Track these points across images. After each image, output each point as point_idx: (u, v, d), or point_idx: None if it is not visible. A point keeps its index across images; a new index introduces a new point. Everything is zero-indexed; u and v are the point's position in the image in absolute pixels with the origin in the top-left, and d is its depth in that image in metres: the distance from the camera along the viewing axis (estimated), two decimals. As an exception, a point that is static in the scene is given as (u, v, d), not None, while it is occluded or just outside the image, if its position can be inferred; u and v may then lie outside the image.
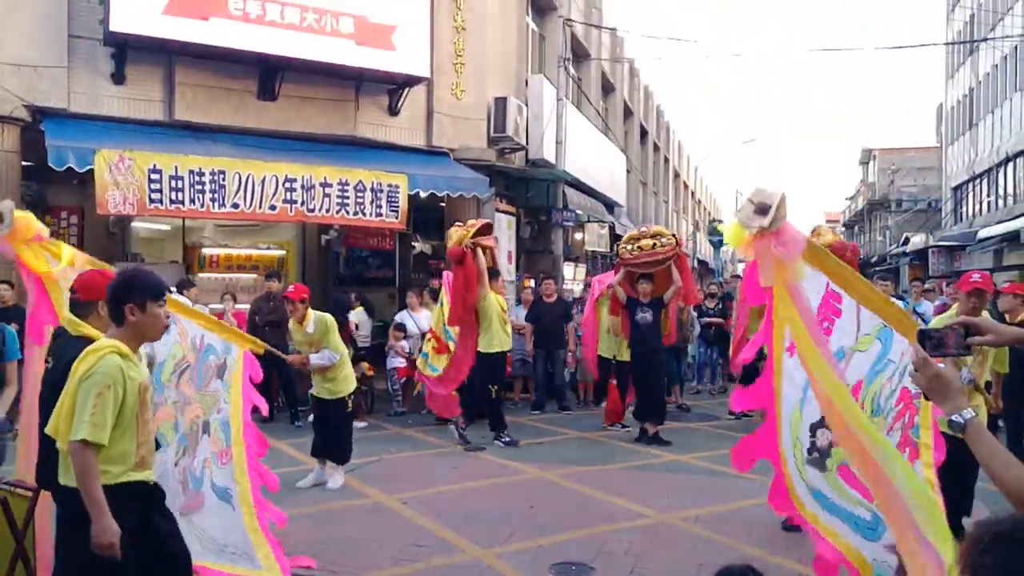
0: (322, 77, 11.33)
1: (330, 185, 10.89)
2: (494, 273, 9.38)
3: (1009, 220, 24.18)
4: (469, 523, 5.94)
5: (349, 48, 11.14)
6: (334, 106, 11.64)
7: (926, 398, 2.17)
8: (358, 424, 8.91)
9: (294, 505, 6.39)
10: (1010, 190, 29.32)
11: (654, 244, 9.36)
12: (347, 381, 7.28)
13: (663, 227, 10.64)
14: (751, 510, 6.40)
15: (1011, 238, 21.86)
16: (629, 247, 9.53)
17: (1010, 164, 28.97)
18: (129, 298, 3.19)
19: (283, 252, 14.16)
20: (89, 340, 3.35)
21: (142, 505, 3.21)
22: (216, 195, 9.98)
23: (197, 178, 9.88)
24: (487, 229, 9.17)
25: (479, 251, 8.77)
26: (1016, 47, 27.43)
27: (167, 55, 10.46)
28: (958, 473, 3.92)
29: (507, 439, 8.93)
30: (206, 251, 13.31)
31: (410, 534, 5.70)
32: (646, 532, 5.81)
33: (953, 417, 2.02)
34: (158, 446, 3.85)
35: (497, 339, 9.07)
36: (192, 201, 9.86)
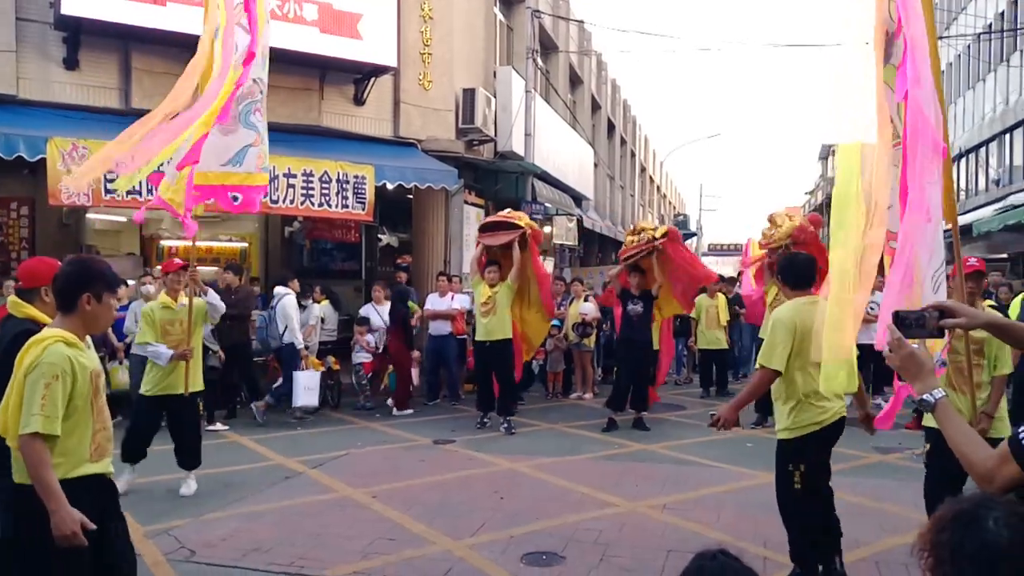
0: (286, 65, 11.10)
1: (294, 176, 10.71)
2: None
3: (961, 214, 24.69)
4: (439, 515, 5.88)
5: (314, 36, 10.97)
6: (298, 95, 11.46)
7: (899, 379, 2.20)
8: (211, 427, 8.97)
9: (259, 501, 6.30)
10: (963, 185, 29.93)
11: (640, 234, 9.54)
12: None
13: (648, 222, 10.73)
14: (717, 497, 6.47)
15: (964, 231, 22.32)
16: (627, 240, 9.82)
17: (963, 160, 29.58)
18: (87, 287, 3.09)
19: (245, 244, 13.94)
20: (34, 322, 3.33)
21: (98, 500, 3.11)
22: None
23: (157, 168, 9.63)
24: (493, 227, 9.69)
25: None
26: (969, 46, 27.99)
27: (123, 40, 10.20)
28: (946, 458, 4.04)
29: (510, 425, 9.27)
30: (165, 243, 13.02)
31: (379, 527, 5.61)
32: (615, 520, 5.80)
33: (924, 396, 2.07)
34: None
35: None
36: (150, 192, 9.60)
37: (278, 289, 10.16)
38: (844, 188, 3.66)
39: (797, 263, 4.85)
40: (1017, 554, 1.20)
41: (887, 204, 3.40)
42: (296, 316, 9.98)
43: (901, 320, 2.21)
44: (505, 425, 9.20)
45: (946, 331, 2.31)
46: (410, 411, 10.41)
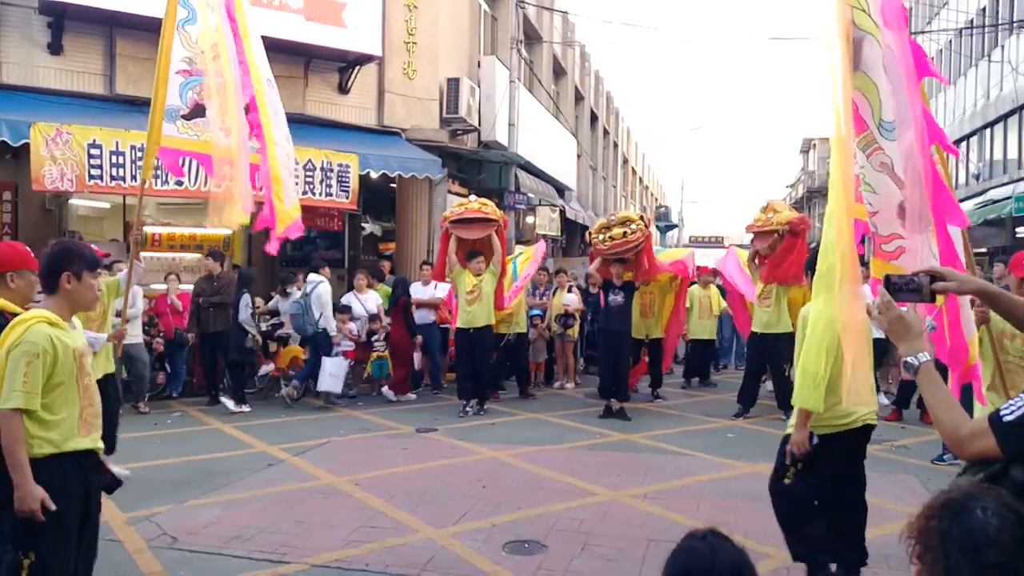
0: (270, 53, 10.85)
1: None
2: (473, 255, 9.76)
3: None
4: (422, 503, 5.92)
5: (298, 23, 10.92)
6: (282, 83, 11.19)
7: (888, 341, 2.25)
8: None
9: (241, 488, 6.31)
10: (945, 179, 30.20)
11: (624, 232, 9.42)
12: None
13: (630, 211, 10.70)
14: (698, 486, 6.54)
15: (945, 225, 22.58)
16: (601, 237, 9.63)
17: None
18: (66, 266, 3.19)
19: (229, 231, 13.82)
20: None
21: (87, 474, 3.23)
22: (159, 172, 9.67)
23: (139, 154, 9.56)
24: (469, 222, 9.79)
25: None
26: (951, 41, 28.20)
27: (107, 26, 10.10)
28: None
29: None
30: (148, 230, 12.89)
31: (362, 515, 5.64)
32: (597, 509, 5.86)
33: (908, 358, 2.13)
34: None
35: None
36: (134, 178, 9.55)
37: (312, 277, 10.24)
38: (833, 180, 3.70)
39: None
40: (1003, 541, 1.23)
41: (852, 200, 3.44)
42: (330, 303, 10.13)
43: (891, 284, 2.26)
44: (478, 407, 9.63)
45: (936, 295, 2.35)
46: (412, 396, 10.58)
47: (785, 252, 9.20)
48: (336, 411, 9.77)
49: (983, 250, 21.19)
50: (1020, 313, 2.40)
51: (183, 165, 7.70)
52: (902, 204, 3.46)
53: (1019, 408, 1.88)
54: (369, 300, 11.00)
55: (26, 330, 3.05)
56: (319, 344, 10.10)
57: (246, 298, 9.89)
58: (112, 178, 9.48)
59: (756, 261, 9.75)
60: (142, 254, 12.25)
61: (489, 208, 9.84)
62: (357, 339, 10.77)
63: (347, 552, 4.92)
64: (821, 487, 4.26)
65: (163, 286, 10.54)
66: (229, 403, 9.62)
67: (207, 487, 6.28)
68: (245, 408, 9.57)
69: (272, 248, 6.06)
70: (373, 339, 10.71)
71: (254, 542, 5.05)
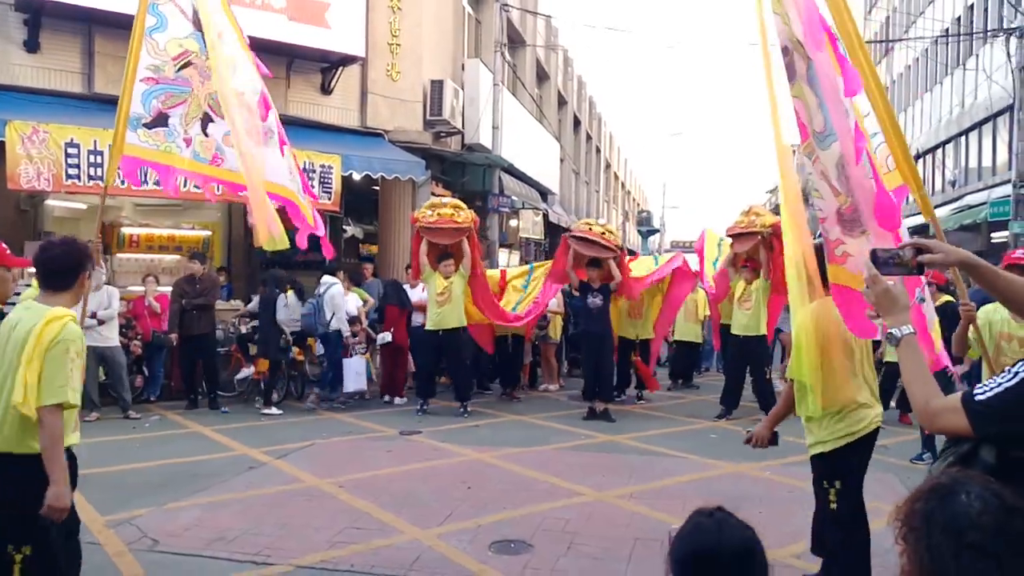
0: (252, 53, 10.98)
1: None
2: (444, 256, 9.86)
3: (918, 214, 25.24)
4: (407, 505, 5.86)
5: (281, 23, 10.86)
6: (264, 83, 11.29)
7: (877, 316, 2.26)
8: None
9: (223, 491, 6.23)
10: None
11: (604, 232, 9.75)
12: None
13: (612, 227, 10.96)
14: (682, 486, 6.54)
15: (922, 229, 22.82)
16: (580, 227, 9.93)
17: (920, 160, 30.21)
18: (85, 267, 3.36)
19: (208, 233, 13.70)
20: None
21: (74, 469, 3.29)
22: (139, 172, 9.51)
23: (115, 155, 9.43)
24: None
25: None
26: (927, 49, 28.58)
27: (86, 24, 9.99)
28: None
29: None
30: (125, 231, 12.75)
31: (347, 517, 5.58)
32: (583, 510, 5.84)
33: (892, 330, 2.15)
34: None
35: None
36: (134, 185, 9.40)
37: (325, 278, 10.22)
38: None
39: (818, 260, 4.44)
40: (984, 524, 1.24)
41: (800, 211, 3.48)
42: (343, 305, 10.11)
43: (877, 257, 2.27)
44: (462, 409, 9.66)
45: (924, 267, 2.35)
46: (404, 399, 10.56)
47: (780, 256, 9.20)
48: (318, 414, 9.68)
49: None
50: (1001, 285, 2.40)
51: (141, 175, 7.63)
52: (839, 210, 3.51)
53: (992, 389, 1.90)
54: (349, 303, 10.92)
55: (63, 328, 3.09)
56: (332, 345, 10.10)
57: (283, 298, 9.92)
58: (90, 178, 9.35)
59: (735, 264, 9.78)
60: (119, 255, 12.24)
61: (462, 216, 9.78)
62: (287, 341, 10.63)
63: (332, 553, 4.85)
64: (857, 501, 4.06)
65: (141, 288, 10.39)
66: (269, 409, 9.60)
67: (188, 490, 6.19)
68: (275, 411, 9.59)
69: (301, 242, 6.01)
70: (354, 341, 10.63)
71: (237, 544, 4.97)
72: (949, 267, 2.52)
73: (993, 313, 4.87)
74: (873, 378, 4.18)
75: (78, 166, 9.23)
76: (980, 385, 1.95)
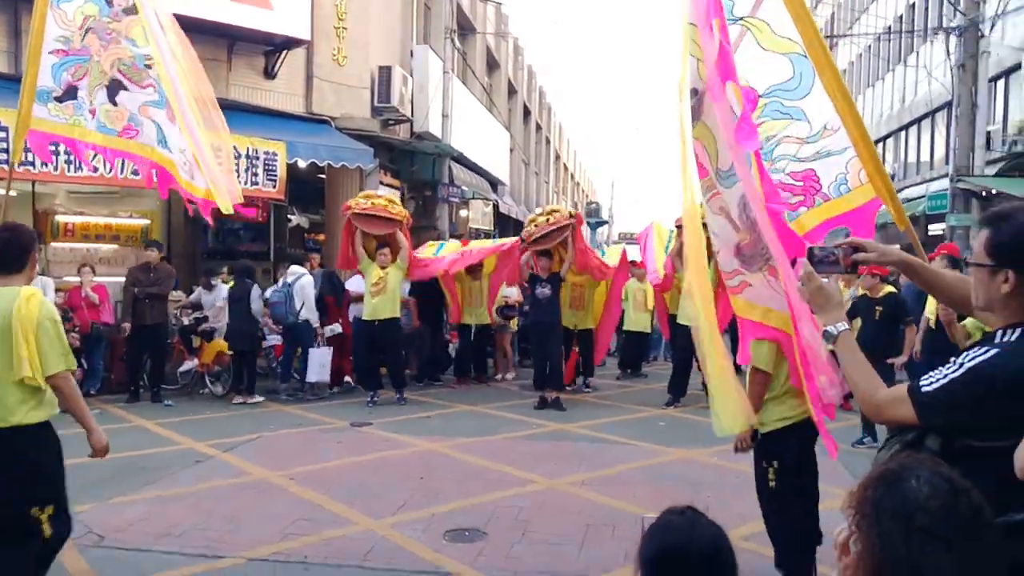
0: (190, 33, 10.52)
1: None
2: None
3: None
4: (359, 495, 5.81)
5: (221, 3, 10.59)
6: (204, 65, 10.69)
7: (813, 312, 2.31)
8: None
9: (170, 485, 6.09)
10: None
11: (547, 219, 9.71)
12: None
13: (556, 206, 10.79)
14: (632, 473, 6.62)
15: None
16: (529, 228, 9.84)
17: (860, 155, 30.96)
18: (33, 247, 3.61)
19: (147, 222, 13.30)
20: None
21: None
22: (72, 158, 9.19)
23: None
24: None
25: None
26: (870, 46, 29.28)
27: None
28: None
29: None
30: (60, 219, 12.30)
31: (299, 509, 5.50)
32: (535, 498, 5.87)
33: (828, 328, 2.21)
34: None
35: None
36: (44, 164, 9.07)
37: (294, 268, 10.15)
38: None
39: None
40: (932, 507, 1.25)
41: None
42: (312, 295, 10.06)
43: (813, 255, 2.32)
44: (399, 397, 9.74)
45: (859, 266, 2.41)
46: (349, 380, 10.76)
47: None
48: (265, 406, 9.51)
49: (897, 246, 22.08)
50: (940, 284, 2.48)
51: (53, 150, 7.31)
52: (739, 245, 3.57)
53: (937, 381, 1.94)
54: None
55: (40, 303, 3.42)
56: (300, 336, 10.03)
57: (256, 290, 9.81)
58: (20, 164, 8.95)
59: (681, 254, 9.84)
60: (54, 245, 11.81)
61: (396, 208, 9.80)
62: (280, 333, 10.50)
63: (284, 545, 4.78)
64: (796, 482, 4.15)
65: (76, 278, 10.04)
66: (253, 398, 9.64)
67: (133, 484, 6.02)
68: (258, 398, 9.62)
69: (207, 216, 5.68)
70: (321, 332, 10.51)
71: (186, 538, 4.87)
72: (886, 266, 2.59)
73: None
74: None
75: (7, 150, 8.84)
76: (926, 376, 1.98)
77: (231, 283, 10.95)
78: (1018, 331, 1.94)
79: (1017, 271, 1.94)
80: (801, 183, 3.89)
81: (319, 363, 9.92)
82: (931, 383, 1.95)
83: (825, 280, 2.26)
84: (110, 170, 9.36)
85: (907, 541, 1.24)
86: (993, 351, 1.92)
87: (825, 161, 3.82)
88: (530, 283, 9.85)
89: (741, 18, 3.65)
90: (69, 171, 9.28)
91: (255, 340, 9.92)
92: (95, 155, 6.04)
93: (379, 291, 9.57)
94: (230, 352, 9.90)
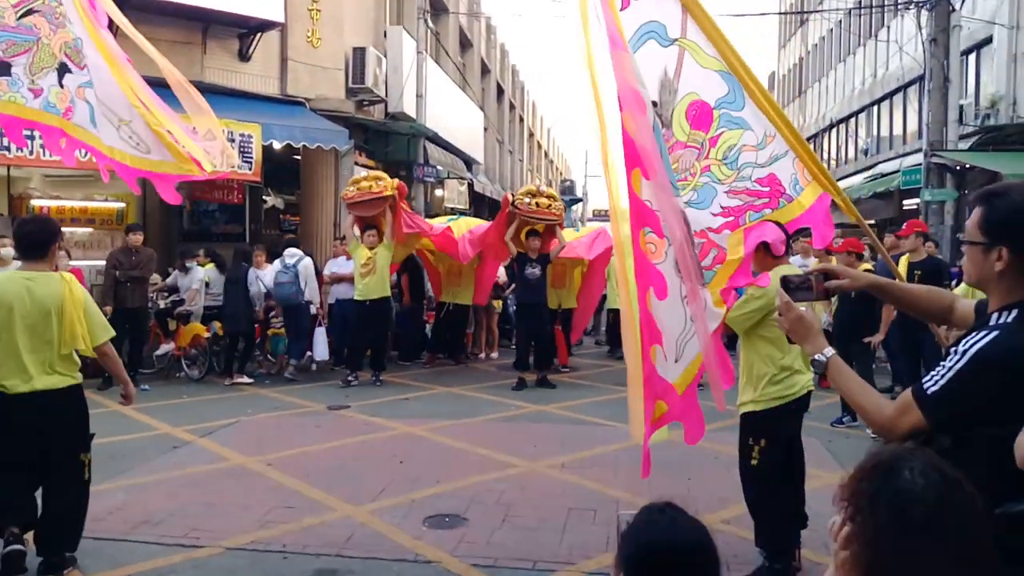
0: (165, 17, 10.52)
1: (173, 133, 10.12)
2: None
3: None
4: (338, 481, 5.81)
5: (194, -14, 10.38)
6: (178, 48, 10.84)
7: (790, 340, 2.32)
8: None
9: (147, 472, 6.06)
10: (834, 154, 31.63)
11: (550, 205, 9.75)
12: None
13: (555, 192, 10.79)
14: (613, 454, 6.63)
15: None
16: (527, 200, 9.76)
17: (833, 130, 31.20)
18: (57, 238, 4.28)
19: (122, 205, 13.11)
20: None
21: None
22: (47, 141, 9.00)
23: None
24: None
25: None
26: (841, 20, 29.36)
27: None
28: None
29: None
30: (35, 203, 12.10)
31: (277, 496, 5.50)
32: (516, 481, 5.89)
33: (816, 356, 2.19)
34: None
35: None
36: (20, 148, 8.90)
37: (293, 251, 10.20)
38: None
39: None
40: (928, 499, 1.26)
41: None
42: (314, 275, 10.28)
43: (788, 283, 2.32)
44: (375, 378, 9.84)
45: (831, 293, 2.43)
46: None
47: None
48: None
49: (872, 222, 22.27)
50: (912, 300, 2.48)
51: (28, 135, 7.19)
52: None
53: (943, 376, 1.92)
54: (267, 276, 10.69)
55: (80, 287, 4.17)
56: (303, 315, 10.21)
57: (253, 272, 9.99)
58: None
59: None
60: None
61: (381, 184, 9.76)
62: (257, 315, 10.44)
63: (263, 533, 4.78)
64: (784, 461, 4.18)
65: (51, 263, 9.90)
66: (241, 378, 9.82)
67: (109, 471, 5.96)
68: (245, 379, 9.81)
69: (170, 198, 5.71)
70: (271, 315, 10.45)
71: (164, 527, 4.85)
72: (856, 291, 2.61)
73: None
74: None
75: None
76: (929, 376, 1.95)
77: (208, 264, 10.87)
78: (1014, 312, 1.93)
79: (1011, 248, 1.92)
80: (768, 188, 4.02)
81: (323, 341, 10.30)
82: (935, 381, 1.92)
83: (803, 309, 2.26)
84: (86, 154, 9.15)
85: (904, 533, 1.24)
86: (992, 334, 1.89)
87: (779, 164, 3.98)
88: (518, 262, 9.83)
89: (675, 39, 3.81)
90: (45, 155, 9.12)
91: (252, 322, 10.05)
92: (33, 133, 6.02)
93: (369, 271, 9.66)
94: (224, 334, 10.00)
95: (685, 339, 3.60)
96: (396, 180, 10.19)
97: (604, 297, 12.11)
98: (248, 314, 9.90)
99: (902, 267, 7.41)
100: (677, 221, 3.28)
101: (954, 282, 8.02)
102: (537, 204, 9.71)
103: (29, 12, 5.10)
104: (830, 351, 2.16)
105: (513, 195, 10.09)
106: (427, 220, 11.17)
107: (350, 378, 9.67)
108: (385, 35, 14.87)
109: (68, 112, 5.23)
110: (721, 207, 3.97)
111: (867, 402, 2.07)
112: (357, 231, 9.87)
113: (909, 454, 1.34)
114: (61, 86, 5.20)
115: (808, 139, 34.48)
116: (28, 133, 6.13)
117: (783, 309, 2.25)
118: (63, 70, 5.22)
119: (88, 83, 5.20)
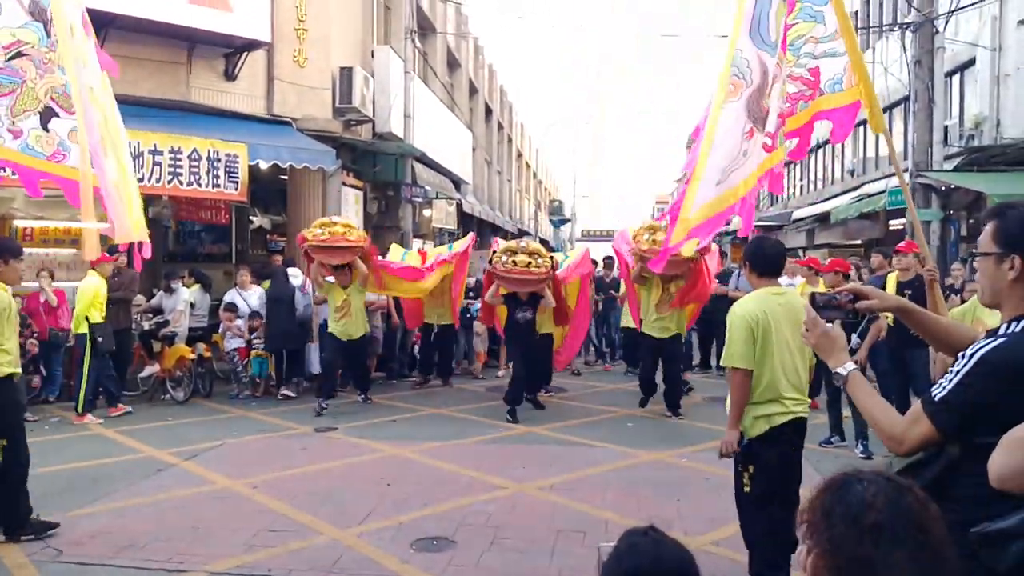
0: (150, 36, 10.51)
1: (160, 153, 10.13)
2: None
3: (820, 202, 26.25)
4: (325, 504, 5.74)
5: (180, 6, 10.39)
6: (164, 68, 10.84)
7: (816, 357, 2.40)
8: None
9: (130, 495, 5.98)
10: (820, 175, 31.85)
11: (529, 263, 8.96)
12: None
13: (541, 247, 9.85)
14: (601, 476, 6.61)
15: (822, 219, 23.70)
16: (505, 259, 9.03)
17: (819, 151, 31.44)
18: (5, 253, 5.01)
19: (107, 226, 13.05)
20: None
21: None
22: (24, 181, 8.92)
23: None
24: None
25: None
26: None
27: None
28: None
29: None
30: (19, 223, 12.02)
31: (263, 519, 5.42)
32: (504, 503, 5.84)
33: (837, 370, 2.27)
34: None
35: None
36: (3, 168, 8.80)
37: (294, 270, 10.67)
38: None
39: (766, 248, 4.26)
40: (879, 505, 1.31)
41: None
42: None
43: (816, 301, 2.42)
44: (364, 397, 9.98)
45: (859, 312, 2.47)
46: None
47: (697, 275, 9.13)
48: (228, 412, 9.38)
49: (858, 242, 22.40)
50: (931, 326, 2.47)
51: None
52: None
53: (949, 382, 1.98)
54: (252, 297, 10.65)
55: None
56: (304, 334, 10.56)
57: (235, 293, 10.62)
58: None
59: (642, 278, 9.35)
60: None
61: (355, 234, 9.43)
62: (243, 336, 10.38)
63: (248, 558, 4.71)
64: (775, 489, 4.04)
65: (35, 284, 9.80)
66: (288, 391, 10.29)
67: (93, 495, 5.90)
68: (291, 394, 10.26)
69: (145, 254, 6.22)
70: (253, 336, 10.37)
71: (148, 551, 4.77)
72: (885, 311, 2.65)
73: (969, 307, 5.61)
74: (803, 370, 4.13)
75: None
76: (937, 385, 2.00)
77: (193, 285, 10.82)
78: (1023, 322, 1.98)
79: None
80: (813, 79, 4.80)
81: (316, 358, 10.54)
82: (942, 387, 1.98)
83: (829, 325, 2.34)
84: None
85: (859, 541, 1.29)
86: (999, 340, 1.96)
87: (830, 60, 4.71)
88: (508, 305, 9.47)
89: None
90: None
91: (300, 339, 10.47)
92: (7, 171, 6.12)
93: (344, 315, 9.45)
94: (269, 352, 10.38)
95: (733, 167, 4.57)
96: (364, 233, 10.10)
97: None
98: (295, 332, 10.33)
99: (890, 286, 7.43)
100: (760, 71, 4.41)
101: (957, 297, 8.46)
102: (514, 263, 8.92)
103: (19, 55, 5.19)
104: (851, 366, 2.26)
105: (492, 253, 9.38)
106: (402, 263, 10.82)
107: (324, 405, 9.27)
108: (372, 55, 14.91)
109: (55, 155, 5.43)
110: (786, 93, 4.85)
111: (882, 416, 2.13)
112: (319, 279, 9.52)
113: (860, 474, 1.39)
114: (46, 130, 5.35)
115: (794, 160, 34.77)
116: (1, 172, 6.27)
117: (810, 324, 2.35)
118: (48, 114, 5.37)
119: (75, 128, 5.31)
